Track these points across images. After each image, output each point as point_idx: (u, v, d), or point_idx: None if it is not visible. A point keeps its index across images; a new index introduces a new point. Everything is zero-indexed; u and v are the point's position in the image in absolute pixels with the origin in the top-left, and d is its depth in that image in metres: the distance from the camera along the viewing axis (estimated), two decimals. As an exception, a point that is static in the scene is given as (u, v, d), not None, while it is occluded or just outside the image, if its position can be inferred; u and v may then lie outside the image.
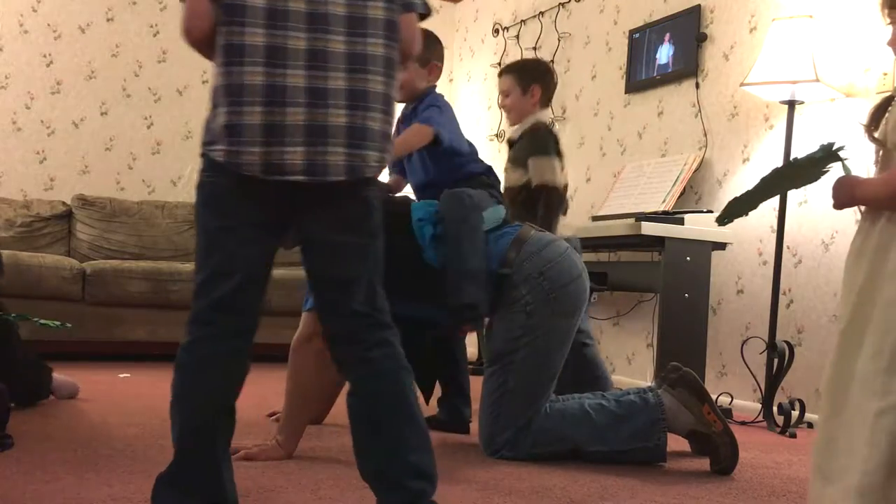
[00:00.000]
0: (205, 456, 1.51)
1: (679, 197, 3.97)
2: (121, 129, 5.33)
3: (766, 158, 3.77)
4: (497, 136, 5.80)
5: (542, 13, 5.35)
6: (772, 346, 3.33)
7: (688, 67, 4.17)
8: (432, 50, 2.84)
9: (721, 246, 3.65)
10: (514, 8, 5.72)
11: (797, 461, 2.62)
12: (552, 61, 5.21)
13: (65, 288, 4.25)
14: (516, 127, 3.29)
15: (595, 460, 2.36)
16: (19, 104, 5.11)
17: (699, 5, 4.14)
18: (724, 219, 1.59)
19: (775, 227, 3.45)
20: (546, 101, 3.29)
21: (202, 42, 1.48)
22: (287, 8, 1.44)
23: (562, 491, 2.03)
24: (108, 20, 5.32)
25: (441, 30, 6.43)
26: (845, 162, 1.48)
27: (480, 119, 6.04)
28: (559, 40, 5.17)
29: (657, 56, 4.36)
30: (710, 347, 3.65)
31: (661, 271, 3.52)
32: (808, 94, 3.42)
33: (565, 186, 3.21)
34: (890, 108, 1.40)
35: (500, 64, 5.79)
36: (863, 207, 1.47)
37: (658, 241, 3.49)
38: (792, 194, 3.52)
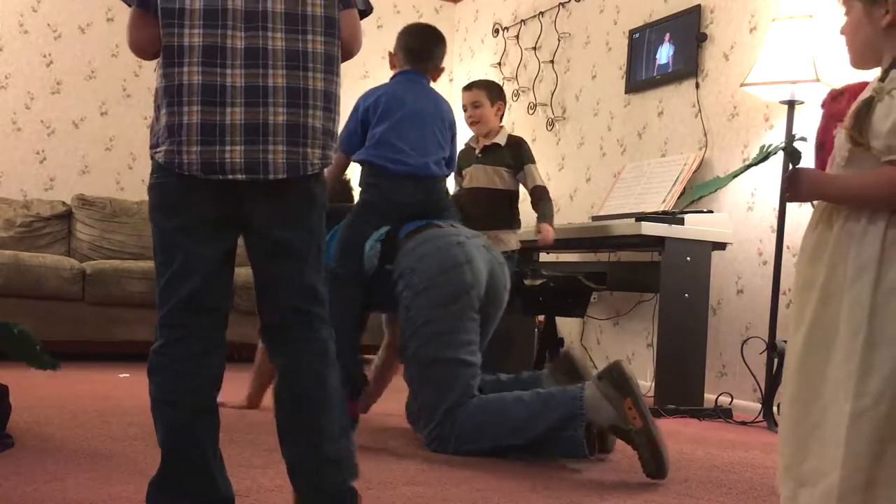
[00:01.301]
0: (191, 456, 1.52)
1: (679, 197, 3.97)
2: (121, 129, 5.33)
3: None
4: (497, 136, 5.80)
5: (542, 13, 5.35)
6: (772, 346, 3.33)
7: (688, 67, 4.17)
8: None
9: (721, 246, 3.65)
10: (514, 8, 5.72)
11: (797, 461, 2.61)
12: (552, 61, 5.21)
13: (65, 288, 4.25)
14: (495, 135, 3.76)
15: (516, 453, 2.37)
16: (19, 104, 5.11)
17: (699, 5, 4.14)
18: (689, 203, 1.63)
19: (775, 227, 3.45)
20: (502, 117, 3.84)
21: (149, 52, 1.50)
22: (225, 7, 1.44)
23: (562, 491, 2.03)
24: (108, 20, 5.32)
25: (441, 30, 6.43)
26: (799, 153, 1.50)
27: (480, 119, 6.03)
28: (559, 40, 5.17)
29: (657, 56, 4.36)
30: (710, 347, 3.65)
31: (661, 271, 3.52)
32: (808, 94, 3.42)
33: None
34: (872, 110, 1.38)
35: (500, 64, 5.80)
36: (813, 205, 1.45)
37: (658, 241, 3.50)
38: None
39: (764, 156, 1.53)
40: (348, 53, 1.60)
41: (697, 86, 4.13)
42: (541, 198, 3.65)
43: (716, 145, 4.02)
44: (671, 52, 4.27)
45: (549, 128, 5.23)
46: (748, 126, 3.87)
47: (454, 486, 2.02)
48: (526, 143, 3.82)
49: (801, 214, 3.57)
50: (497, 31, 5.83)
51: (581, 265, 4.61)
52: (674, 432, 3.01)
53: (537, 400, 2.38)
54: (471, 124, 3.81)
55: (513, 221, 3.79)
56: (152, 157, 1.50)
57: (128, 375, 3.74)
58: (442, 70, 3.00)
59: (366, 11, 1.66)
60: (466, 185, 3.80)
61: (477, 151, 3.79)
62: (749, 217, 3.82)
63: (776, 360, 3.33)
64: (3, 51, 5.08)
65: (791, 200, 1.51)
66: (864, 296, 1.32)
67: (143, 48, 1.51)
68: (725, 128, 3.98)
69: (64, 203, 4.95)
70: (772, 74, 3.35)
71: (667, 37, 4.31)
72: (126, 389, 3.38)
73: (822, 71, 3.28)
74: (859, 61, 1.48)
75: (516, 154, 3.71)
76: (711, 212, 3.73)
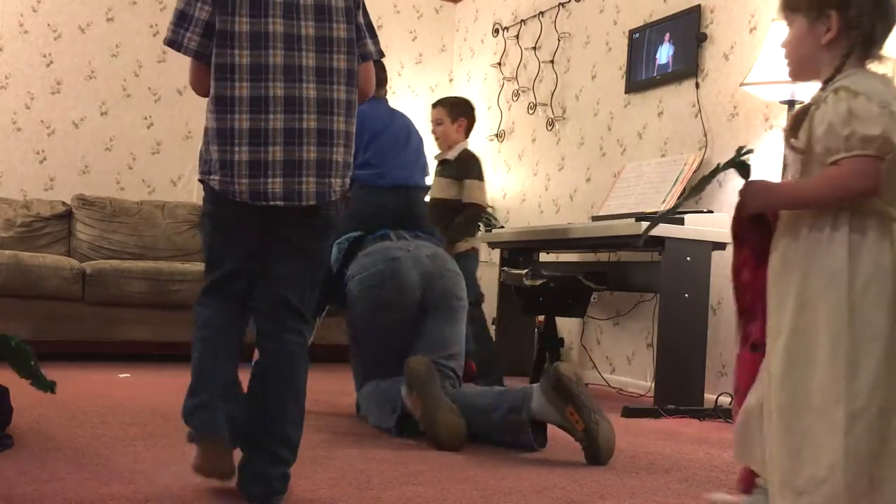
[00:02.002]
0: (213, 367, 1.86)
1: (679, 197, 3.96)
2: (121, 129, 5.33)
3: (766, 158, 3.77)
4: (497, 135, 5.80)
5: (542, 13, 5.35)
6: (772, 346, 3.33)
7: (688, 67, 4.17)
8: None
9: (721, 246, 3.65)
10: (514, 8, 5.72)
11: (797, 461, 2.62)
12: (552, 61, 5.21)
13: (65, 288, 4.25)
14: (450, 150, 4.05)
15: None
16: (19, 104, 5.11)
17: (699, 5, 4.14)
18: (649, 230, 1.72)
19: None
20: (468, 131, 4.11)
21: (206, 93, 1.84)
22: (267, 62, 1.78)
23: (562, 491, 2.03)
24: (108, 20, 5.32)
25: (441, 30, 6.45)
26: (748, 165, 1.56)
27: (481, 119, 6.03)
28: (559, 40, 5.18)
29: (657, 56, 4.36)
30: (710, 347, 3.65)
31: (661, 271, 3.52)
32: (808, 94, 3.41)
33: (486, 205, 4.16)
34: (809, 116, 1.46)
35: (500, 64, 5.80)
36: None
37: (658, 241, 3.49)
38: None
39: (712, 173, 1.59)
40: (364, 97, 1.95)
41: (697, 86, 4.13)
42: (464, 214, 3.90)
43: (716, 145, 4.02)
44: (671, 52, 4.27)
45: (549, 128, 5.23)
46: (748, 126, 3.87)
47: (454, 486, 2.02)
48: (476, 160, 4.04)
49: (801, 214, 3.57)
50: (497, 31, 5.83)
51: (581, 265, 4.61)
52: (674, 432, 3.01)
53: (489, 396, 2.66)
54: (435, 139, 4.15)
55: None
56: (205, 182, 1.85)
57: (128, 375, 3.74)
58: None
59: (380, 58, 2.00)
60: (429, 195, 4.07)
61: (437, 164, 4.13)
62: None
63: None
64: (3, 51, 5.08)
65: (747, 213, 1.53)
66: (840, 300, 1.37)
67: (203, 90, 1.86)
68: (725, 128, 3.98)
69: (64, 203, 4.95)
70: (772, 74, 3.35)
71: (667, 37, 4.31)
72: (126, 389, 3.38)
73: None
74: (798, 73, 1.56)
75: (461, 169, 3.98)
76: (711, 211, 3.72)
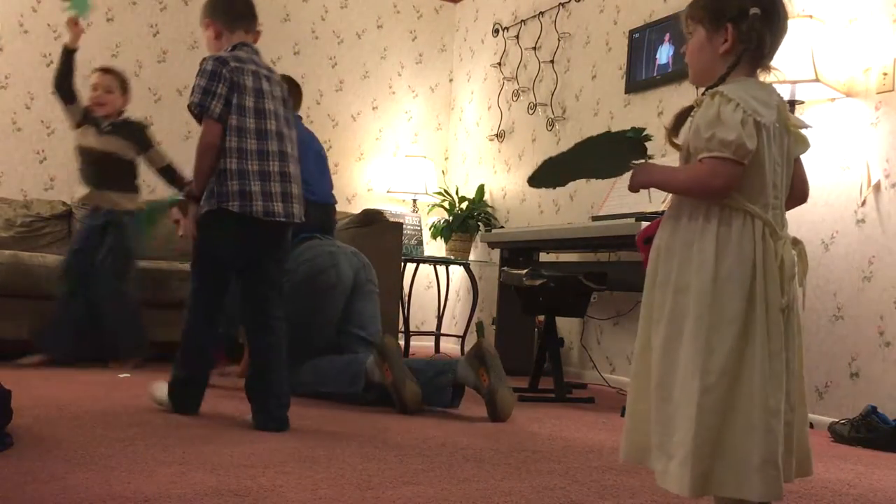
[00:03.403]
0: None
1: (679, 197, 3.96)
2: (121, 129, 5.32)
3: (766, 158, 3.77)
4: (497, 135, 5.80)
5: (542, 13, 5.35)
6: (772, 346, 3.33)
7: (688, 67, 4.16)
8: None
9: (721, 246, 3.65)
10: (514, 8, 5.72)
11: (797, 461, 2.62)
12: (552, 61, 5.21)
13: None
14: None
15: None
16: (19, 104, 5.11)
17: (699, 5, 4.14)
18: (534, 180, 1.79)
19: (775, 227, 3.45)
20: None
21: (217, 150, 2.72)
22: (268, 128, 2.78)
23: (562, 491, 2.03)
24: (108, 20, 5.32)
25: (441, 30, 6.45)
26: (643, 144, 1.70)
27: (481, 119, 6.04)
28: (559, 40, 5.18)
29: (657, 56, 4.36)
30: (710, 347, 3.65)
31: (661, 271, 3.51)
32: (808, 94, 3.42)
33: None
34: (691, 116, 1.62)
35: (500, 64, 5.80)
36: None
37: (658, 241, 3.49)
38: (792, 194, 3.52)
39: (602, 136, 1.73)
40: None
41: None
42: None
43: (716, 145, 4.01)
44: (671, 52, 4.27)
45: (549, 128, 5.23)
46: (748, 126, 3.87)
47: (454, 486, 2.02)
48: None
49: (799, 214, 3.58)
50: (497, 31, 5.83)
51: (581, 265, 4.61)
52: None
53: (426, 366, 3.28)
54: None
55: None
56: (221, 208, 2.69)
57: (128, 375, 3.74)
58: None
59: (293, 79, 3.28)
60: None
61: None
62: (749, 217, 3.82)
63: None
64: (3, 51, 5.08)
65: (630, 187, 1.69)
66: (704, 287, 1.54)
67: (217, 144, 2.72)
68: (725, 128, 3.98)
69: (64, 203, 4.95)
70: (772, 74, 3.34)
71: (667, 37, 4.31)
72: (126, 389, 3.38)
73: (823, 71, 3.28)
74: (699, 79, 1.70)
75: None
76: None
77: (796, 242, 1.63)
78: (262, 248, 2.77)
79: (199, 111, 2.71)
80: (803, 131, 1.67)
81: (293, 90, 3.64)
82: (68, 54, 4.01)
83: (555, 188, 1.82)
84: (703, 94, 1.61)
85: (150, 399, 2.95)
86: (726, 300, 1.53)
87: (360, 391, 3.27)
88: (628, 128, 1.71)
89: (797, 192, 1.71)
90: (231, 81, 2.70)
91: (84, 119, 4.11)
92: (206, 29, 2.92)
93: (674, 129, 1.65)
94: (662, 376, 1.58)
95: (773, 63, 1.69)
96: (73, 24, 3.98)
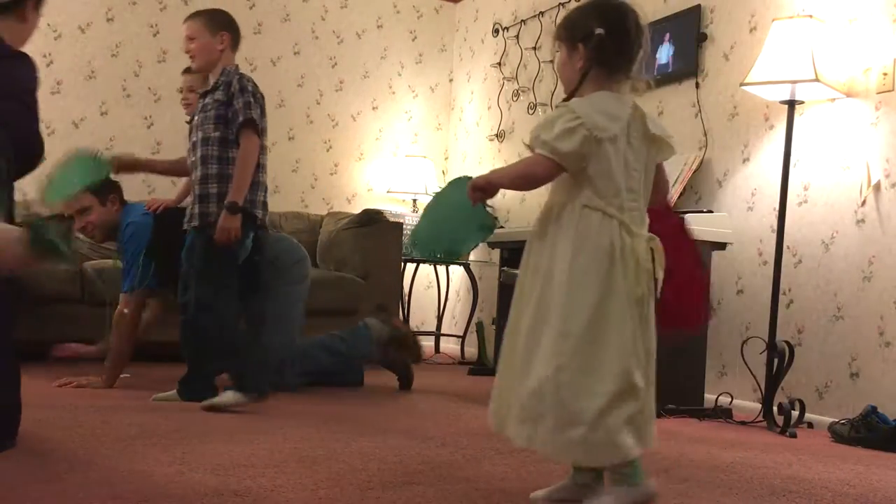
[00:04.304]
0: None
1: (679, 197, 3.97)
2: (121, 129, 5.33)
3: (766, 158, 3.77)
4: (497, 135, 5.80)
5: (542, 13, 5.35)
6: (772, 346, 3.33)
7: (688, 67, 4.17)
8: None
9: (721, 246, 3.65)
10: (514, 8, 5.72)
11: (797, 461, 2.62)
12: (552, 61, 5.21)
13: (64, 288, 4.24)
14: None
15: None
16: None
17: (699, 5, 4.14)
18: (415, 246, 2.16)
19: (775, 227, 3.45)
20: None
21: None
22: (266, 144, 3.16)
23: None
24: (108, 20, 5.32)
25: (441, 30, 6.45)
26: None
27: (481, 119, 6.04)
28: (559, 40, 5.17)
29: (657, 56, 4.36)
30: (710, 347, 3.65)
31: (661, 271, 3.51)
32: (808, 94, 3.42)
33: None
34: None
35: (500, 64, 5.80)
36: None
37: (658, 241, 3.49)
38: (792, 193, 3.52)
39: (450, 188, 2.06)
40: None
41: (697, 86, 4.13)
42: None
43: (716, 145, 4.02)
44: (671, 52, 4.27)
45: (549, 128, 5.23)
46: (748, 126, 3.87)
47: (454, 486, 2.02)
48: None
49: (800, 214, 3.57)
50: (497, 31, 5.83)
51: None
52: (674, 432, 3.01)
53: (340, 343, 3.80)
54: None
55: None
56: (250, 212, 3.06)
57: (128, 375, 3.73)
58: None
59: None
60: None
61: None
62: (749, 217, 3.82)
63: (776, 360, 3.33)
64: (3, 51, 5.07)
65: (472, 197, 1.88)
66: (563, 277, 1.76)
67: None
68: (725, 128, 3.98)
69: (64, 203, 4.95)
70: (772, 74, 3.35)
71: (667, 37, 4.31)
72: (126, 390, 3.38)
73: (823, 71, 3.28)
74: (566, 91, 1.90)
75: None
76: (711, 211, 3.72)
77: (651, 239, 1.79)
78: (256, 250, 3.18)
79: (253, 128, 3.01)
80: (678, 139, 1.92)
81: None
82: None
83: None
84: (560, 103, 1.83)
85: (221, 408, 2.95)
86: (582, 290, 1.74)
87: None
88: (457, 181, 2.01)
89: (659, 197, 1.91)
90: (263, 102, 3.10)
91: None
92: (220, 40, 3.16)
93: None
94: (528, 355, 1.78)
95: (641, 75, 1.98)
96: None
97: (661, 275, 1.81)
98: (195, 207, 3.09)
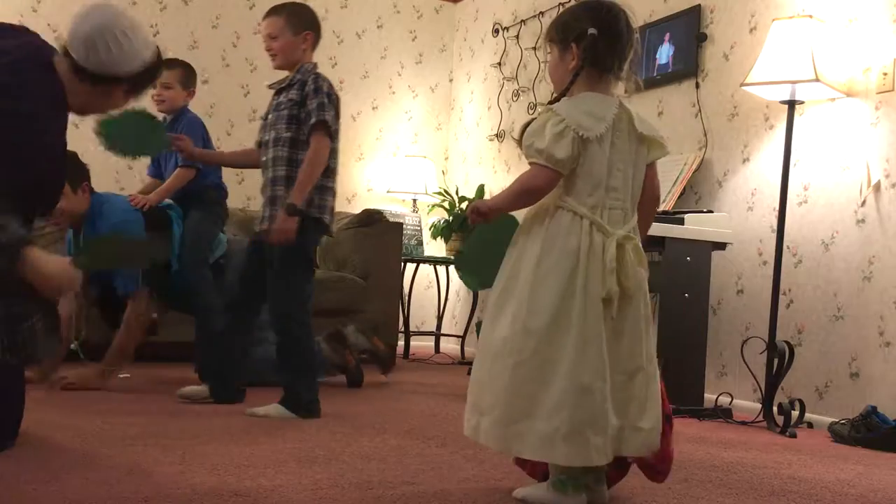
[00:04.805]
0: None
1: (679, 197, 3.97)
2: (121, 129, 5.32)
3: (766, 158, 3.77)
4: (497, 135, 5.80)
5: (542, 13, 5.35)
6: (772, 346, 3.34)
7: (688, 67, 4.17)
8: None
9: (721, 246, 3.65)
10: (514, 8, 5.72)
11: (797, 461, 2.62)
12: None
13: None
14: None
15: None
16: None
17: (699, 5, 4.14)
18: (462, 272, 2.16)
19: (775, 227, 3.45)
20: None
21: None
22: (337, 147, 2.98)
23: (562, 491, 2.03)
24: (108, 20, 5.31)
25: (441, 30, 6.45)
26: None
27: (481, 119, 6.04)
28: (559, 40, 5.17)
29: (657, 56, 4.36)
30: (710, 347, 3.65)
31: (660, 271, 3.52)
32: (808, 94, 3.42)
33: None
34: None
35: (500, 64, 5.80)
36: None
37: (658, 241, 3.49)
38: (792, 193, 3.52)
39: (460, 221, 2.07)
40: None
41: (697, 86, 4.13)
42: None
43: (716, 145, 4.02)
44: (671, 52, 4.27)
45: (549, 128, 5.23)
46: (748, 126, 3.87)
47: (454, 486, 2.02)
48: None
49: (801, 215, 3.58)
50: (497, 31, 5.83)
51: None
52: (674, 432, 3.00)
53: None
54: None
55: None
56: (312, 216, 2.89)
57: (128, 375, 3.74)
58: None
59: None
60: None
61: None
62: (749, 217, 3.82)
63: (776, 360, 3.33)
64: (3, 51, 5.07)
65: (474, 221, 1.90)
66: (528, 276, 1.80)
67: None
68: (725, 128, 3.98)
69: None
70: (772, 74, 3.35)
71: (667, 37, 4.31)
72: (126, 390, 3.38)
73: (823, 71, 3.28)
74: (557, 90, 1.90)
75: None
76: (711, 211, 3.73)
77: (627, 238, 1.80)
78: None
79: (325, 129, 2.85)
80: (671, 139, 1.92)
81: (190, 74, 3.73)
82: None
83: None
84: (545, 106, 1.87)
85: (265, 417, 2.85)
86: (545, 290, 1.77)
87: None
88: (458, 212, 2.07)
89: (648, 196, 1.92)
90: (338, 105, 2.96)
91: None
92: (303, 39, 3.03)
93: (520, 137, 1.87)
94: (486, 345, 1.85)
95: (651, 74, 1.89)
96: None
97: (643, 274, 1.85)
98: (266, 210, 2.95)
